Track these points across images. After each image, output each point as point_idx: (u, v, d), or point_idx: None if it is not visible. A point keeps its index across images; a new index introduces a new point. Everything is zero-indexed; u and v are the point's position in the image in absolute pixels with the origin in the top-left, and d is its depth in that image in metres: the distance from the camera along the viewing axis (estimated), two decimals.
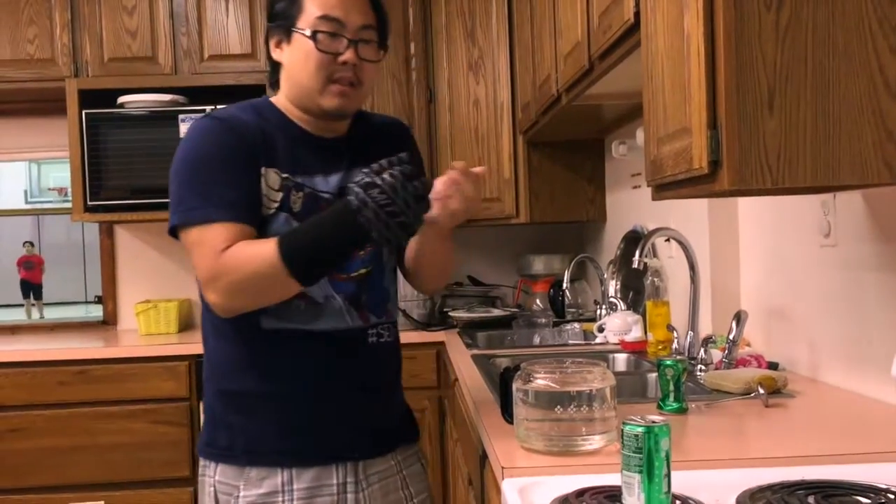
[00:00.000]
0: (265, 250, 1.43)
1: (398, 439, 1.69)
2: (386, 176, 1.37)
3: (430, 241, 1.61)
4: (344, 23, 1.52)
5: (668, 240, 2.51)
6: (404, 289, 2.28)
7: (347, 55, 1.52)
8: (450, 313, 3.48)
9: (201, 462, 1.63)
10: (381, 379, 1.66)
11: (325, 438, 1.58)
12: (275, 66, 1.61)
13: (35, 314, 12.71)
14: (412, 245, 1.66)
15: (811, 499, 1.08)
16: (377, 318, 1.63)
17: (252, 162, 1.52)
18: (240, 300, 1.49)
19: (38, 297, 13.27)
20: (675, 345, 2.25)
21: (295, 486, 1.56)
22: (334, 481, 1.57)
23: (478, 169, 1.53)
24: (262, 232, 1.52)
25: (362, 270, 1.60)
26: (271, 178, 1.53)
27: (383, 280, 1.65)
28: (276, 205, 1.53)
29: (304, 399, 1.57)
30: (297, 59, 1.54)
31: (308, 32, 1.51)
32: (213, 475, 1.60)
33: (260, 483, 1.55)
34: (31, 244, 13.47)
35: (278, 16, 1.56)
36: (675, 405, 1.62)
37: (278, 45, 1.58)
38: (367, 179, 1.38)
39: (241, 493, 1.56)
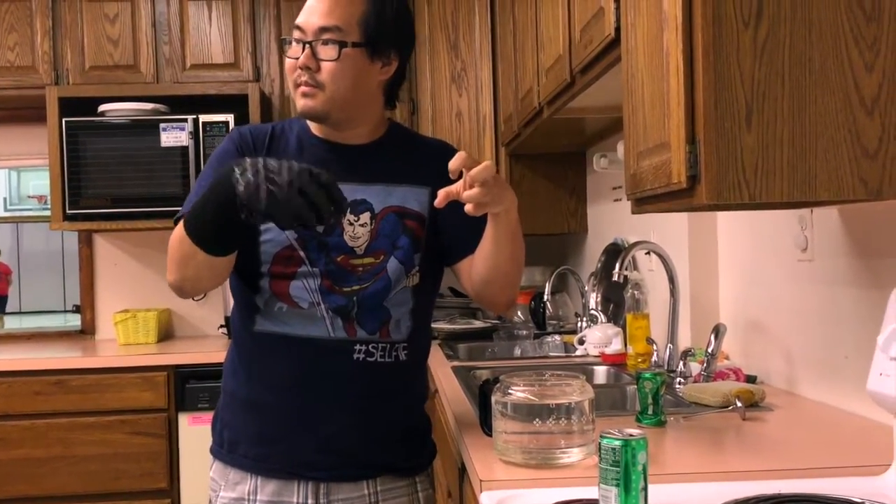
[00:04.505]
0: (179, 226, 1.45)
1: (379, 468, 1.59)
2: (294, 163, 1.31)
3: (494, 236, 1.51)
4: (303, 28, 1.54)
5: (648, 253, 2.53)
6: None
7: (302, 58, 1.52)
8: (424, 332, 3.46)
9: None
10: (362, 400, 1.57)
11: (289, 451, 1.56)
12: None
13: None
14: (480, 252, 1.57)
15: None
16: (368, 334, 1.56)
17: None
18: (176, 275, 1.48)
19: (2, 309, 12.31)
20: (654, 357, 2.26)
21: (258, 497, 1.56)
22: (294, 499, 1.55)
23: (454, 163, 1.39)
24: (255, 236, 1.55)
25: (356, 287, 1.56)
26: None
27: (386, 300, 1.57)
28: None
29: (276, 407, 1.57)
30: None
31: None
32: (210, 470, 1.65)
33: (234, 487, 1.59)
34: None
35: None
36: (653, 418, 1.62)
37: None
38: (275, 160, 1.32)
39: (221, 493, 1.60)
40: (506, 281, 1.60)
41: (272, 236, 1.54)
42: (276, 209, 1.29)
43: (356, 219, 1.56)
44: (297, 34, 1.54)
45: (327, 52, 1.52)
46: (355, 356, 1.56)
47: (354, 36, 1.52)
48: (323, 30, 1.52)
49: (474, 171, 1.35)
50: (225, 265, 1.48)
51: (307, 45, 1.52)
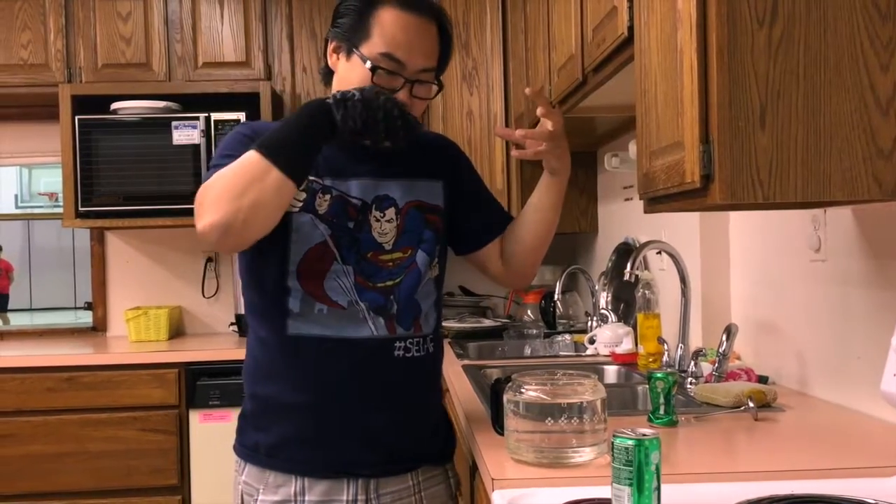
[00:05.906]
0: (243, 156, 1.41)
1: (420, 459, 1.63)
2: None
3: (545, 199, 1.70)
4: (405, 64, 1.52)
5: (659, 252, 2.52)
6: None
7: (401, 95, 1.52)
8: (441, 323, 3.47)
9: (234, 459, 1.65)
10: (403, 396, 1.60)
11: (337, 452, 1.56)
12: (329, 69, 1.62)
13: None
14: (525, 217, 1.72)
15: None
16: (405, 330, 1.59)
17: None
18: (228, 207, 1.37)
19: (3, 308, 11.89)
20: (665, 357, 2.26)
21: (307, 498, 1.55)
22: (344, 497, 1.55)
23: (535, 94, 1.63)
24: (286, 231, 1.52)
25: (388, 282, 1.57)
26: None
27: (416, 293, 1.61)
28: (300, 204, 1.54)
29: (321, 409, 1.56)
30: (350, 80, 1.54)
31: (368, 65, 1.51)
32: (241, 474, 1.63)
33: (276, 490, 1.57)
34: None
35: (342, 28, 1.56)
36: (665, 418, 1.62)
37: (336, 51, 1.58)
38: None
39: (260, 497, 1.58)
40: (539, 252, 1.74)
41: (307, 232, 1.53)
42: (369, 131, 1.43)
43: (382, 214, 1.58)
44: (392, 65, 1.52)
45: (423, 90, 1.57)
46: (395, 353, 1.58)
47: (437, 73, 1.59)
48: (424, 70, 1.55)
49: (554, 119, 1.60)
50: (285, 197, 1.42)
51: (409, 84, 1.53)
